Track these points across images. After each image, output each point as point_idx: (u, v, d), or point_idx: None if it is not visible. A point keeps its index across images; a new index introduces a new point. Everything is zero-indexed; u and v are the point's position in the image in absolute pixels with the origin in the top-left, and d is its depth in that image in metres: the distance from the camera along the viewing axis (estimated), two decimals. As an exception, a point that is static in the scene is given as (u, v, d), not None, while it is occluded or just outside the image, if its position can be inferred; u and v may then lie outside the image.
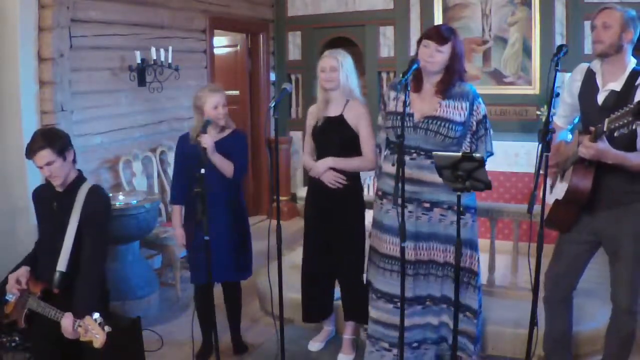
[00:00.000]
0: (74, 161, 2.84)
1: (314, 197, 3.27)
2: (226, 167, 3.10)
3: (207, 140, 2.94)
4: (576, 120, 2.82)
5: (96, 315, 2.47)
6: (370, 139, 3.12)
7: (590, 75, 2.61)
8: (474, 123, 2.83)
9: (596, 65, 2.59)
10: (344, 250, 3.21)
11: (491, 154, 2.89)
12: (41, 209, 2.90)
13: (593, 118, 2.52)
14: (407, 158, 2.83)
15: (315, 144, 3.25)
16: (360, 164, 3.15)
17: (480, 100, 2.85)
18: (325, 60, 3.12)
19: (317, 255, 3.28)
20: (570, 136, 2.74)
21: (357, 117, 3.09)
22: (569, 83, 2.73)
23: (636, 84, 2.43)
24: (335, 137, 3.13)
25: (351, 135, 3.11)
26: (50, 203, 2.82)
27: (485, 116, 2.86)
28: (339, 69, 3.07)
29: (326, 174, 3.12)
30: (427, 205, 2.84)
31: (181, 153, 3.27)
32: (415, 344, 2.98)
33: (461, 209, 2.80)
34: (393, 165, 2.78)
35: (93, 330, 2.43)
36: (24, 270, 2.80)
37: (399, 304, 2.85)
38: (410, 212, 2.84)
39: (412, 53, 5.62)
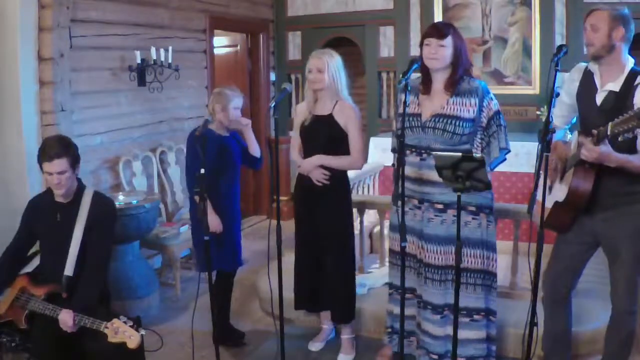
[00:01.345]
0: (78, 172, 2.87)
1: (302, 193, 3.27)
2: (256, 143, 3.35)
3: (244, 119, 3.31)
4: (574, 120, 2.81)
5: (124, 318, 2.52)
6: (358, 139, 3.14)
7: (588, 76, 2.60)
8: (485, 120, 2.80)
9: (594, 65, 2.57)
10: (332, 251, 3.22)
11: (508, 150, 2.85)
12: (40, 220, 2.90)
13: (592, 119, 2.52)
14: (417, 159, 2.83)
15: (302, 141, 3.26)
16: (346, 163, 3.17)
17: (491, 96, 2.81)
18: (311, 61, 3.13)
19: (306, 252, 3.29)
20: (569, 136, 2.74)
21: (347, 118, 3.11)
22: (567, 83, 2.71)
23: (635, 84, 2.42)
24: (323, 135, 3.14)
25: (339, 134, 3.13)
26: (53, 214, 2.83)
27: (497, 112, 2.81)
28: (324, 70, 3.08)
29: (314, 171, 3.13)
30: (441, 206, 2.82)
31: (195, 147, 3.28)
32: (435, 356, 2.91)
33: (474, 208, 2.81)
34: (393, 165, 2.78)
35: (125, 332, 2.47)
36: None
37: (418, 301, 2.91)
38: (422, 212, 2.84)
39: (412, 54, 5.67)
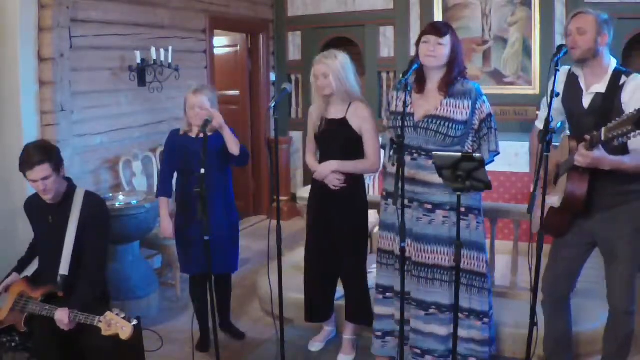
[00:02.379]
0: (64, 175, 2.85)
1: (318, 199, 3.23)
2: (234, 142, 3.18)
3: (218, 116, 3.10)
4: (559, 124, 2.78)
5: (117, 310, 2.53)
6: (374, 141, 3.08)
7: (572, 79, 2.60)
8: (477, 122, 2.80)
9: (577, 68, 2.58)
10: (349, 251, 3.20)
11: (497, 153, 2.85)
12: (36, 221, 2.91)
13: (580, 122, 2.52)
14: (408, 158, 2.80)
15: (317, 145, 3.23)
16: (364, 167, 3.12)
17: (484, 98, 2.81)
18: (315, 67, 3.06)
19: (322, 258, 3.25)
20: (564, 131, 2.73)
21: (362, 120, 3.05)
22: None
23: (620, 83, 2.43)
24: (338, 139, 3.10)
25: (354, 137, 3.08)
26: (46, 216, 2.84)
27: (489, 115, 2.81)
28: (329, 75, 3.01)
29: (330, 177, 3.09)
30: (429, 206, 2.81)
31: (171, 147, 3.34)
32: (418, 351, 2.92)
33: (463, 209, 2.77)
34: (393, 165, 2.78)
35: (118, 323, 2.48)
36: (14, 278, 2.87)
37: (411, 302, 2.87)
38: (412, 211, 2.82)
39: (413, 54, 5.67)
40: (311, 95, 3.23)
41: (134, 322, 2.49)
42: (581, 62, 2.52)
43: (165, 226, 3.34)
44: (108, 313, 2.51)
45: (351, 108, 3.07)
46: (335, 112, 3.10)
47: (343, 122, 3.08)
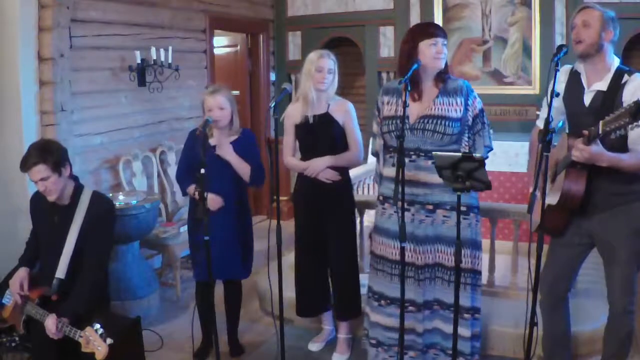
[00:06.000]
0: (71, 175, 2.81)
1: (306, 197, 3.27)
2: (243, 168, 3.14)
3: (216, 139, 3.07)
4: (560, 124, 2.78)
5: (97, 325, 2.48)
6: (356, 133, 3.21)
7: (575, 76, 2.60)
8: (471, 118, 2.80)
9: (580, 65, 2.58)
10: (337, 248, 3.24)
11: (490, 149, 2.86)
12: (40, 220, 2.89)
13: (580, 119, 2.51)
14: (406, 160, 2.80)
15: (301, 143, 3.28)
16: (352, 158, 3.23)
17: (475, 94, 2.83)
18: (324, 61, 3.13)
19: (311, 254, 3.30)
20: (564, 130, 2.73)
21: (345, 113, 3.18)
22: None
23: (622, 82, 2.42)
24: (325, 134, 3.18)
25: (339, 131, 3.19)
26: (51, 216, 2.81)
27: (482, 110, 2.83)
28: (334, 72, 3.17)
29: (324, 172, 3.16)
30: (430, 207, 2.81)
31: (190, 149, 3.22)
32: (424, 348, 2.93)
33: (465, 208, 2.79)
34: (393, 166, 2.77)
35: (95, 342, 2.45)
36: (24, 272, 2.81)
37: (409, 308, 2.85)
38: (412, 214, 2.81)
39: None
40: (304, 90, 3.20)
41: (109, 341, 2.47)
42: (584, 58, 2.51)
43: (216, 200, 3.09)
44: (88, 329, 2.48)
45: (332, 103, 3.19)
46: (319, 109, 3.19)
47: (327, 116, 3.17)
